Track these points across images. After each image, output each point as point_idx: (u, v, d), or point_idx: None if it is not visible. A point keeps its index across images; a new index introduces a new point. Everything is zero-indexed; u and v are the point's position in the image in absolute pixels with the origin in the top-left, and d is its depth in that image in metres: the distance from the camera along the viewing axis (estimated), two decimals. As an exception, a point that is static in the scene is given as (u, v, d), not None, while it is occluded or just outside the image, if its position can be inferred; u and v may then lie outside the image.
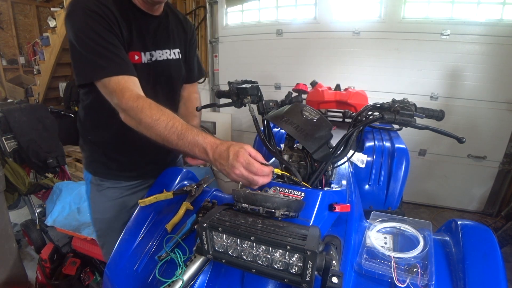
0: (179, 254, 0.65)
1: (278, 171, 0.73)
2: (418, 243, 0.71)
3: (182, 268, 0.62)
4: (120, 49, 0.92)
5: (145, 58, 1.03)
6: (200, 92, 1.40)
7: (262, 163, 0.70)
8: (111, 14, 0.91)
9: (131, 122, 0.87)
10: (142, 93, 0.89)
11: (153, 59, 1.06)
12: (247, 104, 0.92)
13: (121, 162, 1.15)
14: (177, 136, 0.79)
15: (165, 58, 1.10)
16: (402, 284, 0.62)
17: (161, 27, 1.09)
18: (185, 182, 1.02)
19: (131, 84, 0.89)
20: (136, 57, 1.00)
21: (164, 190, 0.96)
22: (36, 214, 2.13)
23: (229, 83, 0.99)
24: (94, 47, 0.87)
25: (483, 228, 0.73)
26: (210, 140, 0.76)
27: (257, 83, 0.97)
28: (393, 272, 0.63)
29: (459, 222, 0.75)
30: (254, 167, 0.68)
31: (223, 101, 1.08)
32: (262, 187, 0.73)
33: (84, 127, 1.15)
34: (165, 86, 1.14)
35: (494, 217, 2.73)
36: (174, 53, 1.14)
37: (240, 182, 0.70)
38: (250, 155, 0.70)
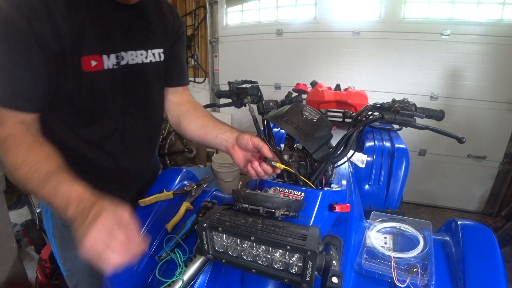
0: (179, 254, 0.65)
1: (280, 165, 0.73)
2: (418, 243, 0.71)
3: (182, 268, 0.62)
4: (35, 69, 0.67)
5: (108, 62, 0.78)
6: (200, 92, 1.35)
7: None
8: (40, 2, 0.64)
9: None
10: (28, 127, 0.69)
11: (123, 63, 0.82)
12: (247, 104, 0.91)
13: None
14: (38, 183, 0.61)
15: (140, 61, 0.87)
16: (402, 284, 0.62)
17: (137, 21, 0.84)
18: (185, 182, 1.02)
19: (12, 119, 0.67)
20: (94, 63, 0.75)
21: (164, 190, 0.96)
22: (36, 214, 2.13)
23: (229, 83, 0.99)
24: None
25: (483, 228, 0.73)
26: (78, 191, 0.58)
27: (257, 83, 0.97)
28: (393, 272, 0.63)
29: (459, 222, 0.75)
30: (116, 238, 0.51)
31: (223, 101, 1.08)
32: (262, 187, 0.73)
33: None
34: (139, 98, 0.90)
35: (494, 217, 2.73)
36: (153, 54, 0.90)
37: (240, 182, 0.69)
38: (121, 219, 0.53)
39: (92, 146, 0.85)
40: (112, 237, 0.51)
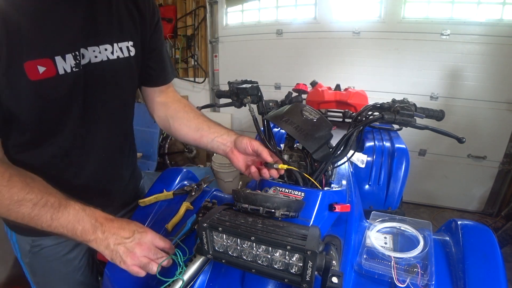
0: (179, 254, 0.65)
1: (283, 166, 0.73)
2: (418, 243, 0.71)
3: (182, 268, 0.62)
4: None
5: (65, 65, 0.64)
6: (200, 92, 1.32)
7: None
8: None
9: None
10: None
11: (84, 62, 0.68)
12: (247, 104, 0.91)
13: None
14: (51, 215, 0.59)
15: (105, 58, 0.73)
16: (402, 284, 0.62)
17: (96, 9, 0.69)
18: (185, 182, 1.02)
19: None
20: (42, 69, 0.60)
21: (164, 190, 0.96)
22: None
23: (229, 83, 0.99)
24: None
25: (483, 228, 0.73)
26: (101, 214, 0.64)
27: (257, 83, 0.97)
28: (393, 272, 0.63)
29: (459, 222, 0.75)
30: (152, 251, 0.63)
31: (223, 101, 1.08)
32: (262, 187, 0.73)
33: None
34: (106, 102, 0.77)
35: (494, 217, 2.73)
36: (121, 48, 0.76)
37: (240, 182, 0.69)
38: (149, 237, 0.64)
39: (51, 165, 0.75)
40: (148, 251, 0.62)
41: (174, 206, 0.91)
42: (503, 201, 2.79)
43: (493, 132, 2.69)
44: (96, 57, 0.71)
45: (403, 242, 0.73)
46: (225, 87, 1.03)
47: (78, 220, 0.61)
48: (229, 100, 1.00)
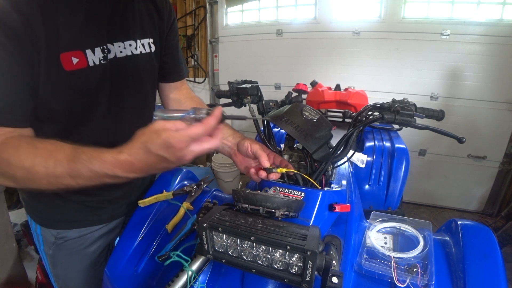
0: (181, 254, 0.65)
1: (282, 169, 0.72)
2: (418, 243, 0.71)
3: (188, 263, 0.62)
4: (10, 78, 0.59)
5: (94, 57, 0.69)
6: (200, 92, 1.33)
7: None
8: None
9: (3, 182, 0.60)
10: (16, 137, 0.61)
11: (110, 56, 0.73)
12: (247, 104, 0.91)
13: (85, 203, 0.87)
14: (69, 174, 0.55)
15: (130, 53, 0.78)
16: (402, 284, 0.62)
17: (121, 7, 0.74)
18: (185, 182, 1.02)
19: (4, 132, 0.60)
20: (76, 60, 0.66)
21: (164, 191, 0.96)
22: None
23: (229, 83, 0.99)
24: None
25: (483, 228, 0.73)
26: (110, 153, 0.55)
27: (257, 83, 0.97)
28: (393, 272, 0.63)
29: (459, 222, 0.75)
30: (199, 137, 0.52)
31: (223, 101, 1.08)
32: (262, 187, 0.73)
33: None
34: (130, 96, 0.82)
35: (494, 217, 2.73)
36: (143, 45, 0.81)
37: (240, 182, 0.69)
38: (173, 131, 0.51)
39: None
40: (179, 143, 0.50)
41: (174, 207, 0.91)
42: (503, 201, 2.79)
43: (493, 132, 2.69)
44: (121, 52, 0.76)
45: (403, 242, 0.73)
46: (225, 87, 1.03)
47: (93, 158, 0.55)
48: (229, 100, 1.00)
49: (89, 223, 0.90)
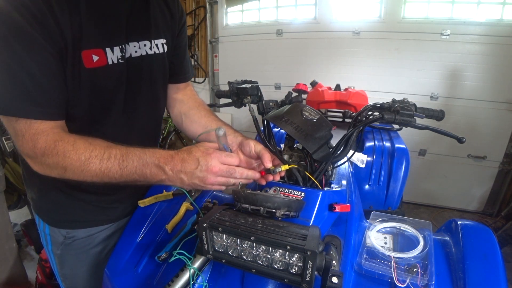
0: (184, 252, 0.66)
1: (285, 166, 0.72)
2: (418, 243, 0.71)
3: (191, 260, 0.62)
4: (47, 72, 0.62)
5: (112, 56, 0.72)
6: (200, 92, 1.33)
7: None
8: None
9: (50, 172, 0.66)
10: (61, 131, 0.67)
11: (126, 56, 0.76)
12: (247, 104, 0.91)
13: (95, 203, 0.88)
14: (119, 165, 0.63)
15: (144, 53, 0.80)
16: (402, 284, 0.62)
17: (137, 10, 0.77)
18: (185, 182, 1.02)
19: (47, 127, 0.64)
20: (96, 58, 0.68)
21: (164, 191, 0.96)
22: (35, 217, 2.12)
23: (229, 83, 0.99)
24: (2, 61, 0.59)
25: (483, 228, 0.73)
26: (161, 153, 0.64)
27: (257, 83, 0.97)
28: (393, 272, 0.63)
29: (459, 222, 0.75)
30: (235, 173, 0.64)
31: (223, 101, 1.08)
32: (262, 187, 0.73)
33: None
34: (144, 94, 0.85)
35: (494, 217, 2.73)
36: (157, 45, 0.83)
37: (240, 182, 0.69)
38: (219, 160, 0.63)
39: None
40: (221, 171, 0.62)
41: (174, 207, 0.91)
42: (503, 201, 2.79)
43: (493, 132, 2.69)
44: (136, 52, 0.78)
45: (403, 242, 0.73)
46: (225, 87, 1.03)
47: (143, 165, 0.63)
48: (229, 100, 1.00)
49: (98, 223, 0.92)
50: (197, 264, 0.63)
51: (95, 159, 0.63)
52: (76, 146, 0.63)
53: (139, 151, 0.65)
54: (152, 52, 0.83)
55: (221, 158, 0.64)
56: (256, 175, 0.69)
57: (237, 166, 0.66)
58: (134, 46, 0.78)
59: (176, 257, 0.65)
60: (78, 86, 0.69)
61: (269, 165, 0.70)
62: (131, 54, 0.77)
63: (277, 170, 0.70)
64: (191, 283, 0.61)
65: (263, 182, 0.73)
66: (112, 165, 0.63)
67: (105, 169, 0.63)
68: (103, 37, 0.69)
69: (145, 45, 0.80)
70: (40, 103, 0.63)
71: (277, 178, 0.72)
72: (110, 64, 0.72)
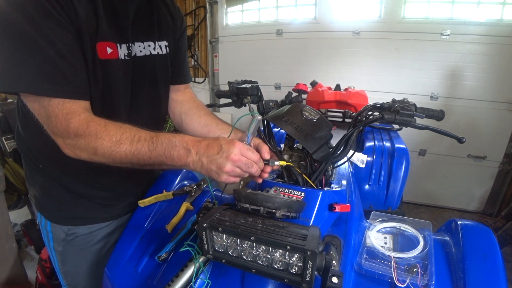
0: (193, 244, 0.66)
1: (283, 162, 0.72)
2: (418, 243, 0.71)
3: (196, 255, 0.63)
4: (75, 52, 0.66)
5: (121, 52, 0.76)
6: (200, 92, 1.34)
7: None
8: None
9: (81, 154, 0.67)
10: (91, 113, 0.70)
11: (132, 54, 0.79)
12: (247, 104, 0.91)
13: (96, 200, 0.90)
14: (148, 147, 0.65)
15: (148, 53, 0.84)
16: (402, 284, 0.62)
17: (142, 12, 0.80)
18: (185, 182, 1.02)
19: (79, 108, 0.67)
20: (110, 50, 0.72)
21: (164, 191, 0.96)
22: (36, 214, 2.12)
23: (229, 83, 0.99)
24: (32, 40, 0.60)
25: (483, 228, 0.73)
26: (189, 137, 0.67)
27: (257, 83, 0.97)
28: (393, 272, 0.63)
29: (459, 222, 0.75)
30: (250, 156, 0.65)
31: (223, 101, 1.08)
32: (263, 187, 0.73)
33: (32, 151, 0.84)
34: (147, 91, 0.88)
35: (494, 217, 2.73)
36: (160, 46, 0.87)
37: (241, 182, 0.69)
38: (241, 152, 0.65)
39: None
40: (239, 162, 0.63)
41: (174, 207, 0.91)
42: (503, 201, 2.79)
43: (493, 132, 2.69)
44: (140, 51, 0.82)
45: (403, 242, 0.73)
46: (225, 87, 1.03)
47: (172, 147, 0.65)
48: (229, 100, 1.00)
49: (99, 220, 0.93)
50: (201, 260, 0.63)
51: (126, 141, 0.65)
52: (108, 128, 0.66)
53: (168, 134, 0.67)
54: (156, 53, 0.86)
55: (243, 150, 0.65)
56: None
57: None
58: (139, 46, 0.81)
59: (185, 248, 0.66)
60: (93, 76, 0.72)
61: (267, 156, 0.72)
62: (136, 53, 0.81)
63: (275, 162, 0.72)
64: (194, 278, 0.61)
65: (259, 180, 0.74)
66: (142, 146, 0.65)
67: (135, 150, 0.65)
68: (114, 33, 0.73)
69: (149, 46, 0.84)
70: (73, 83, 0.65)
71: (274, 167, 0.74)
72: (121, 59, 0.76)
